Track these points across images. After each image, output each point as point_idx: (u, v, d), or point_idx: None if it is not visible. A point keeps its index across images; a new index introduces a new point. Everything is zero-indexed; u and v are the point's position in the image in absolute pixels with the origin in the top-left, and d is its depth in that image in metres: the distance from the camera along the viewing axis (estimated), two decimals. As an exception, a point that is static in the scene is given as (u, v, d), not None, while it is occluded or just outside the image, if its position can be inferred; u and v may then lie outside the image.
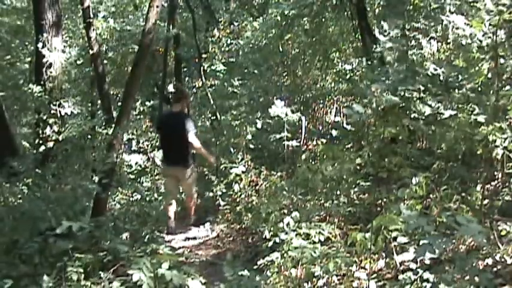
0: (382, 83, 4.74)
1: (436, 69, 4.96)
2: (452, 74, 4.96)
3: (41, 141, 7.95)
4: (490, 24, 4.29)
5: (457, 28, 4.86)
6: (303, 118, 7.01)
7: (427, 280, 3.27)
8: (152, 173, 8.54)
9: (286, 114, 6.10)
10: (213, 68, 10.22)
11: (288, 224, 4.58)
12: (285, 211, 5.37)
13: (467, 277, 3.22)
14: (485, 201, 4.48)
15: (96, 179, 5.69)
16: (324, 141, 7.58)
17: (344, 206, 5.18)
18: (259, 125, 6.51)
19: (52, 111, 8.06)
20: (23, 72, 13.32)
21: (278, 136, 6.51)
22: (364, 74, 6.04)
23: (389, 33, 5.70)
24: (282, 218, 4.82)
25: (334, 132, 7.11)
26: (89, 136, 8.51)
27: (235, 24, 12.89)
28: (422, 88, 5.08)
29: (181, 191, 7.26)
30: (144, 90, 13.84)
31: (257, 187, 6.52)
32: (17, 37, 12.83)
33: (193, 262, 5.31)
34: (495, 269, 3.67)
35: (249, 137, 7.15)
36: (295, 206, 5.42)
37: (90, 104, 12.74)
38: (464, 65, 5.03)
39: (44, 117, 8.01)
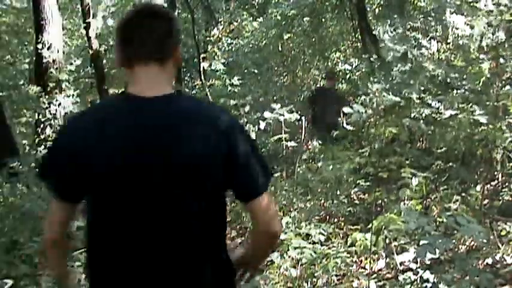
0: (383, 83, 4.75)
1: (436, 70, 4.97)
2: (452, 74, 4.96)
3: (41, 141, 7.94)
4: (489, 25, 4.30)
5: (457, 28, 4.87)
6: (303, 118, 6.99)
7: (427, 280, 3.27)
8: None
9: (283, 115, 6.08)
10: (212, 68, 10.20)
11: (287, 224, 4.57)
12: (285, 211, 5.36)
13: (467, 277, 3.22)
14: (485, 201, 4.49)
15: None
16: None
17: (344, 206, 5.18)
18: (262, 126, 6.46)
19: (52, 111, 8.05)
20: (22, 72, 13.31)
21: (277, 137, 6.49)
22: (364, 74, 6.04)
23: (393, 30, 5.70)
24: (281, 218, 4.81)
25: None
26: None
27: (235, 24, 12.88)
28: (422, 88, 5.09)
29: None
30: (144, 90, 13.81)
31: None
32: (17, 37, 12.82)
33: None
34: (495, 269, 3.68)
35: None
36: (295, 206, 5.41)
37: (90, 104, 12.72)
38: (464, 65, 5.03)
39: (44, 118, 8.00)
